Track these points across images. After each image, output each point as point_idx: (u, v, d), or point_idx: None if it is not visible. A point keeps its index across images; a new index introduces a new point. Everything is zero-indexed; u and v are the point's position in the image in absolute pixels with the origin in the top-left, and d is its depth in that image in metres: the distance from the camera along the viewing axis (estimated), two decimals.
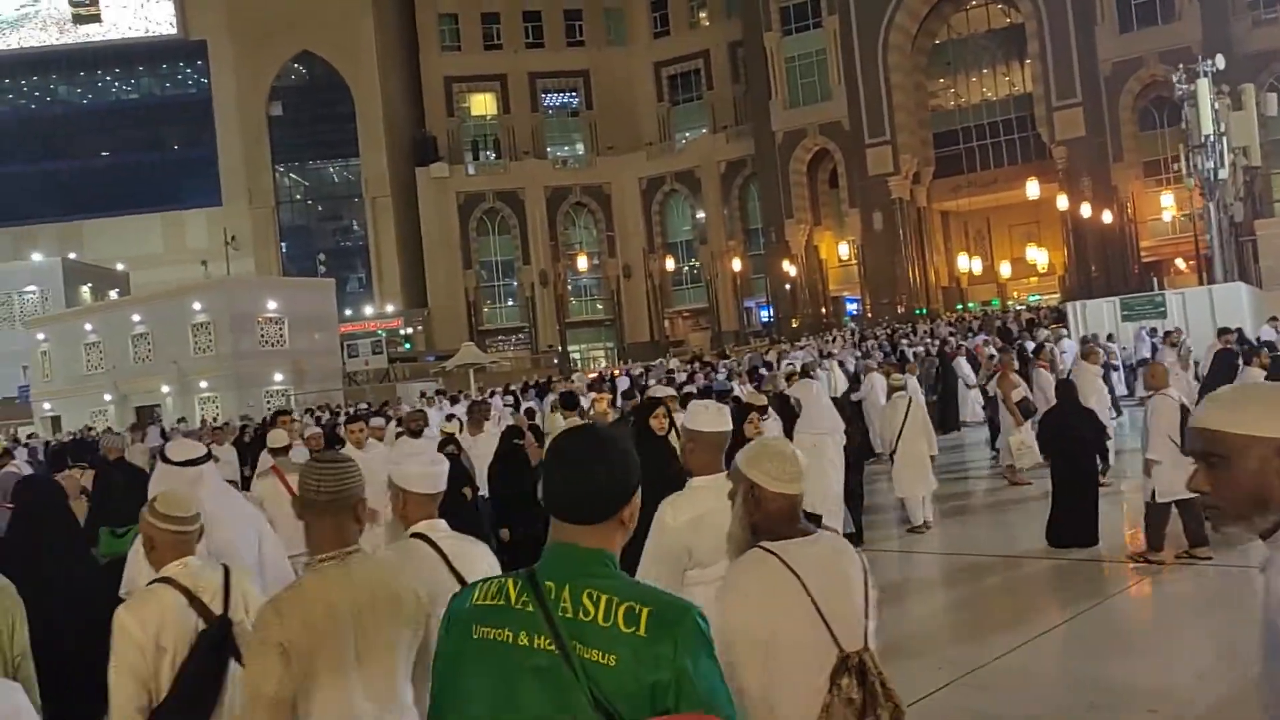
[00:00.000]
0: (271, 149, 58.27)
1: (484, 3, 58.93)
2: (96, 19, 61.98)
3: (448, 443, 8.82)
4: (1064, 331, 22.48)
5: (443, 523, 3.06)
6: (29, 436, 30.78)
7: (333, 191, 60.89)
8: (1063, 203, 41.57)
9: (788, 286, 50.03)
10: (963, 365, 18.95)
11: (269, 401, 35.22)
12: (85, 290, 50.44)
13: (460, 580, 2.77)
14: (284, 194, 59.85)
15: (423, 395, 28.30)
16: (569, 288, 58.95)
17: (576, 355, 57.08)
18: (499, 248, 58.51)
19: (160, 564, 3.10)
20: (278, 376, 36.88)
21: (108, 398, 37.88)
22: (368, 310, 55.61)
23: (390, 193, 57.19)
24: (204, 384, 36.49)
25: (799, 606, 2.50)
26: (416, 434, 9.01)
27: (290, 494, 6.28)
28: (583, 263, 56.99)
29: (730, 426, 3.80)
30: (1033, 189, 42.35)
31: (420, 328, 55.43)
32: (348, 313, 51.27)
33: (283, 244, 58.96)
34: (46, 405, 40.05)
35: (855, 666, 2.44)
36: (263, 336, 36.99)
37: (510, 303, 59.42)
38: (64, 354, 40.04)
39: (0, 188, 60.18)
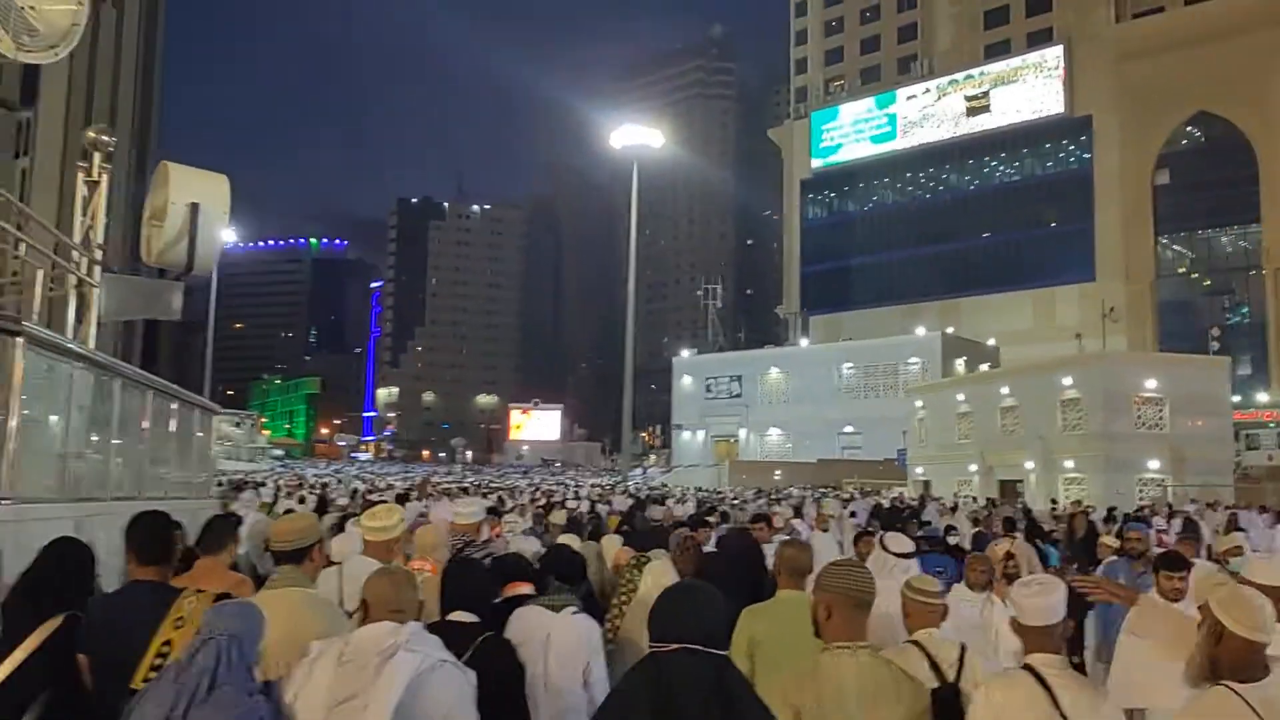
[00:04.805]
0: (1155, 220, 54.43)
1: None
2: (986, 109, 65.90)
3: None
4: None
5: (1059, 658, 3.08)
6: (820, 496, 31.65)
7: (1224, 263, 54.53)
8: None
9: None
10: None
11: (1141, 490, 31.70)
12: (959, 363, 53.05)
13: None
14: (1165, 266, 55.28)
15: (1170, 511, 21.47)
16: None
17: None
18: None
19: (909, 630, 3.80)
20: (1153, 463, 32.98)
21: (973, 468, 38.38)
22: (1261, 397, 47.62)
23: None
24: (1069, 463, 34.45)
25: None
26: None
27: None
28: None
29: None
30: None
31: None
32: (1236, 398, 44.50)
33: (1160, 319, 54.32)
34: (919, 469, 42.37)
35: None
36: (1139, 418, 33.52)
37: None
38: (937, 422, 41.98)
39: (893, 270, 68.19)
